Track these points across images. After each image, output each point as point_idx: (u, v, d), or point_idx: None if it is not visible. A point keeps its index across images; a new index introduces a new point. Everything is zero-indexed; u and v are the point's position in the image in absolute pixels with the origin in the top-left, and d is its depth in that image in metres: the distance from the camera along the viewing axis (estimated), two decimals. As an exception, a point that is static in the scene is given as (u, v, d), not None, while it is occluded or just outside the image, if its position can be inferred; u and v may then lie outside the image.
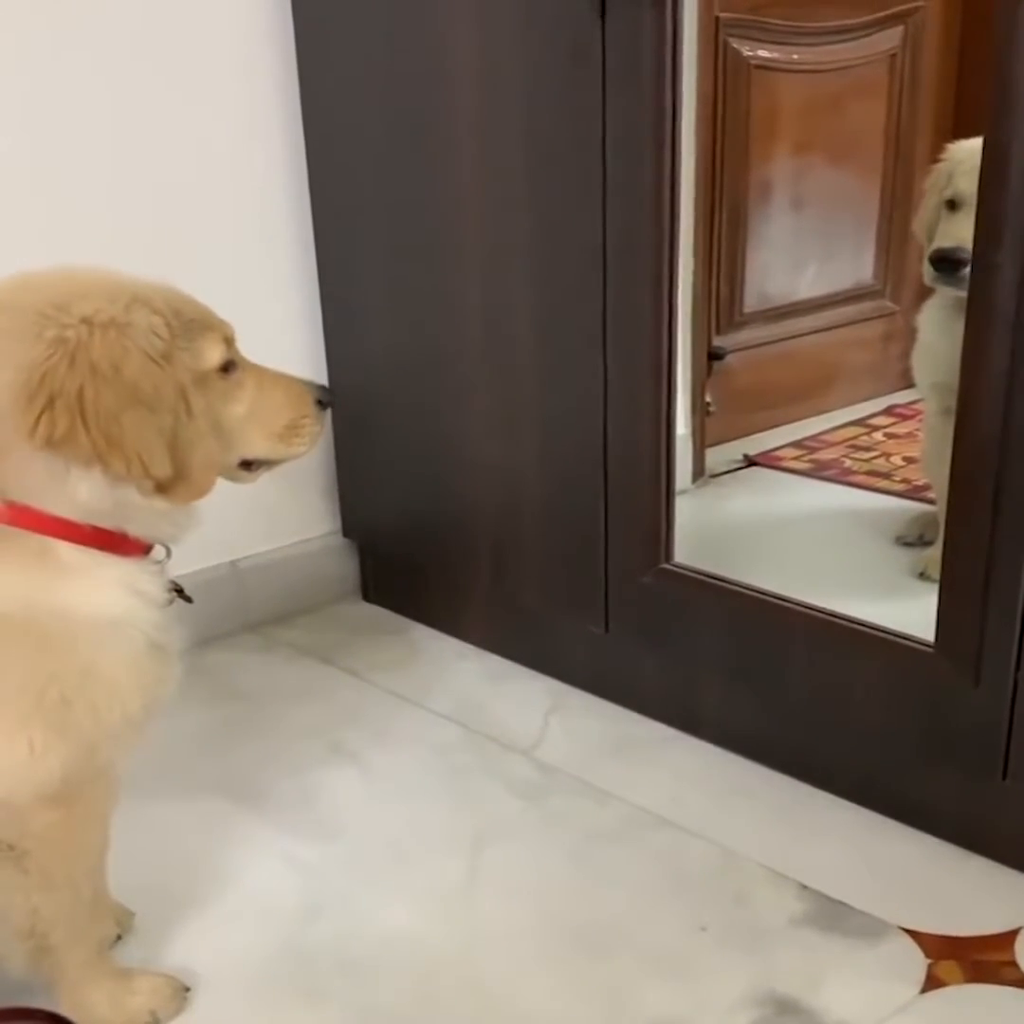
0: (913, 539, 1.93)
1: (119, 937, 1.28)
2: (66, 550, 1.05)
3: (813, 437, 2.50)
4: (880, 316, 2.66)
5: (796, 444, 2.48)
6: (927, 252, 1.72)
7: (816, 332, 2.52)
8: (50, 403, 0.98)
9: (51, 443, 0.99)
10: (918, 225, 1.79)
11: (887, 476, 2.29)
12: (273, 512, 2.01)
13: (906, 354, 2.72)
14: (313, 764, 1.64)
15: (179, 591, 1.16)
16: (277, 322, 1.94)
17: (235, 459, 1.15)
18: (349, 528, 2.08)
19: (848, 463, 2.37)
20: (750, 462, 2.36)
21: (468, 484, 1.81)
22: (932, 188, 1.74)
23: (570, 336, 1.57)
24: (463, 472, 1.81)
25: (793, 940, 1.29)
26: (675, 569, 1.58)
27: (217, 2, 1.80)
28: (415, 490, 1.91)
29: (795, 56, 2.32)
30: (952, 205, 1.67)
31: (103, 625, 1.06)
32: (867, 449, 2.44)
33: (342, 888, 1.40)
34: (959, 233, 1.60)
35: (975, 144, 1.66)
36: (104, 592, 1.07)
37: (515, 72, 1.53)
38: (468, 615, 1.94)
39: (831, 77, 2.43)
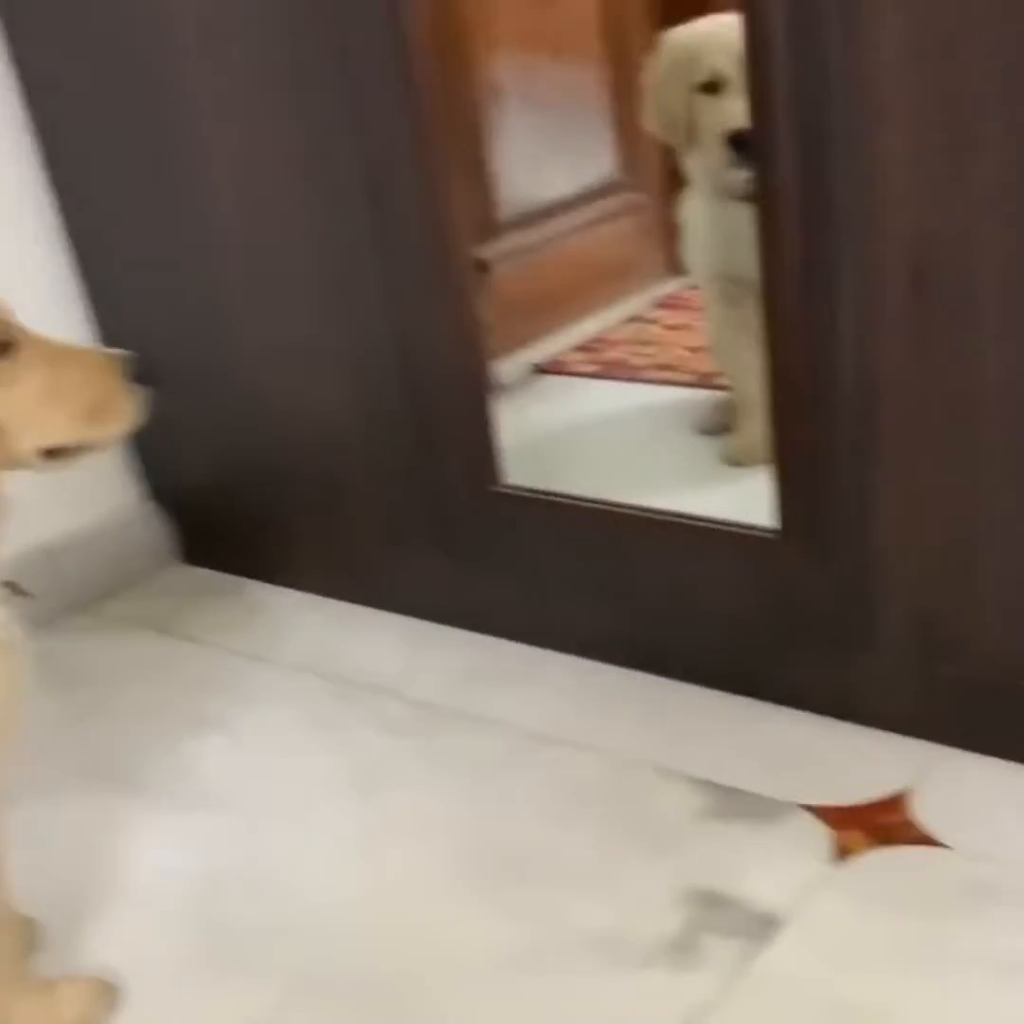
0: (714, 428, 1.98)
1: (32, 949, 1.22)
2: None
3: (594, 338, 2.53)
4: (632, 209, 2.69)
5: (580, 348, 2.50)
6: (682, 140, 1.75)
7: (573, 232, 2.52)
8: None
9: None
10: (654, 118, 1.79)
11: (674, 368, 2.34)
12: (74, 486, 1.91)
13: (663, 245, 2.79)
14: (180, 738, 1.59)
15: (12, 585, 1.09)
16: (30, 291, 1.83)
17: (31, 447, 1.05)
18: (157, 491, 2.01)
19: (635, 361, 2.41)
20: (539, 371, 2.38)
21: (275, 429, 1.77)
22: (668, 78, 1.74)
23: (342, 261, 1.54)
24: (267, 417, 1.76)
25: (700, 834, 1.33)
26: (508, 490, 1.59)
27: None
28: (220, 443, 1.86)
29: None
30: (713, 88, 1.68)
31: None
32: (649, 343, 2.48)
33: (244, 856, 1.37)
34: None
35: (709, 27, 1.72)
36: None
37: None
38: (301, 564, 1.90)
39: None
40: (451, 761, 1.49)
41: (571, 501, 1.52)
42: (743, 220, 1.72)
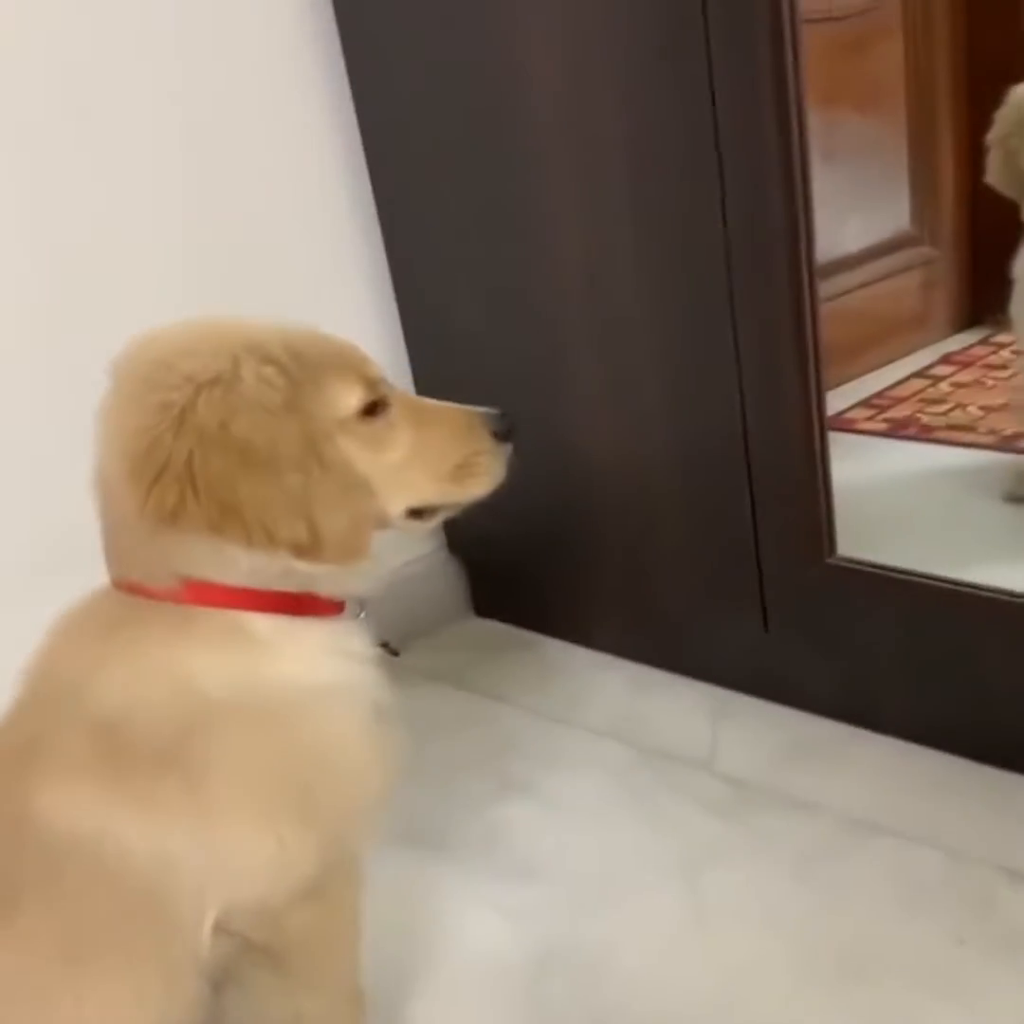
0: (1023, 494, 1.88)
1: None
2: (258, 622, 0.97)
3: (878, 394, 2.46)
4: (922, 263, 2.63)
5: (864, 404, 2.44)
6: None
7: (864, 286, 2.48)
8: (159, 475, 0.89)
9: (164, 518, 0.90)
10: (997, 172, 1.74)
11: (971, 429, 2.25)
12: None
13: (952, 300, 2.71)
14: (487, 800, 1.57)
15: (385, 645, 1.08)
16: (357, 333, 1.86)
17: (398, 510, 1.04)
18: (454, 542, 2.00)
19: (924, 419, 2.33)
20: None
21: (586, 483, 1.74)
22: (1016, 130, 1.68)
23: (692, 319, 1.50)
24: (580, 467, 1.73)
25: (1059, 946, 1.24)
26: (843, 563, 1.52)
27: (254, 22, 1.71)
28: (525, 493, 1.79)
29: (810, 4, 2.25)
30: None
31: (324, 695, 0.98)
32: (939, 402, 2.40)
33: (565, 934, 1.33)
34: None
35: None
36: (313, 659, 0.99)
37: (605, 69, 1.44)
38: (600, 622, 1.87)
39: (845, 24, 2.38)
40: (774, 845, 1.43)
41: (911, 577, 1.45)
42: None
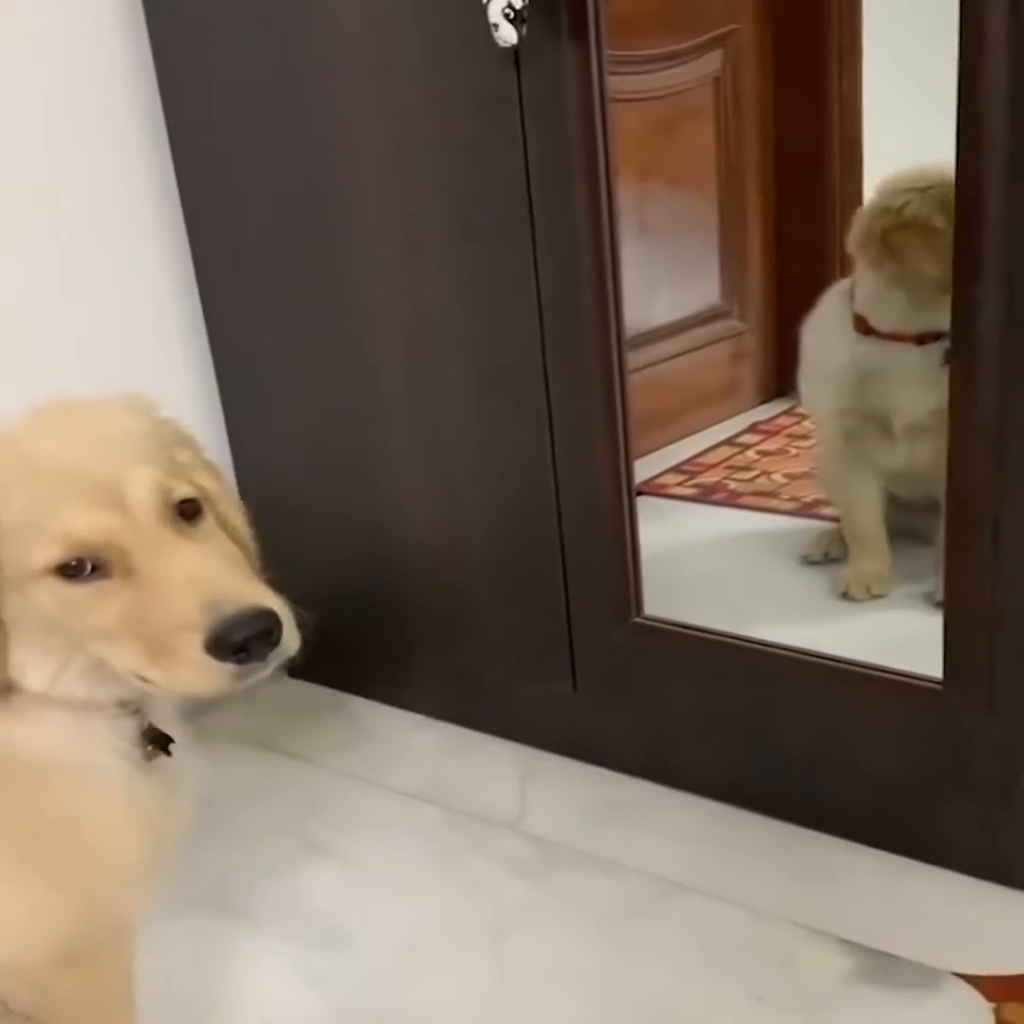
0: (819, 558, 1.95)
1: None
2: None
3: (689, 461, 2.53)
4: (731, 336, 2.71)
5: (675, 470, 2.49)
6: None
7: (674, 356, 2.55)
8: None
9: None
10: (868, 249, 1.76)
11: (774, 495, 2.32)
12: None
13: (757, 370, 2.80)
14: (290, 864, 1.54)
15: (156, 741, 1.00)
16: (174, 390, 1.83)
17: (120, 667, 0.91)
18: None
19: (732, 485, 2.39)
20: (638, 492, 2.36)
21: (401, 546, 1.74)
22: (886, 211, 1.72)
23: (506, 386, 1.52)
24: (396, 534, 1.73)
25: (850, 999, 1.27)
26: (648, 622, 1.55)
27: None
28: (342, 559, 1.83)
29: (627, 85, 2.32)
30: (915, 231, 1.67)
31: (82, 764, 0.96)
32: (745, 469, 2.47)
33: (369, 1000, 1.32)
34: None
35: (925, 174, 1.71)
36: (74, 734, 0.96)
37: (426, 122, 1.47)
38: (414, 684, 1.86)
39: (660, 104, 2.46)
40: (579, 905, 1.44)
41: (712, 636, 1.49)
42: (893, 357, 1.73)
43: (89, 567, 0.87)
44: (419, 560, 1.71)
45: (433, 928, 1.42)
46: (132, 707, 0.99)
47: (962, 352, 1.21)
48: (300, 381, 1.73)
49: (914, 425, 1.73)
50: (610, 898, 1.44)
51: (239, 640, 0.85)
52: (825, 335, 1.83)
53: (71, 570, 0.87)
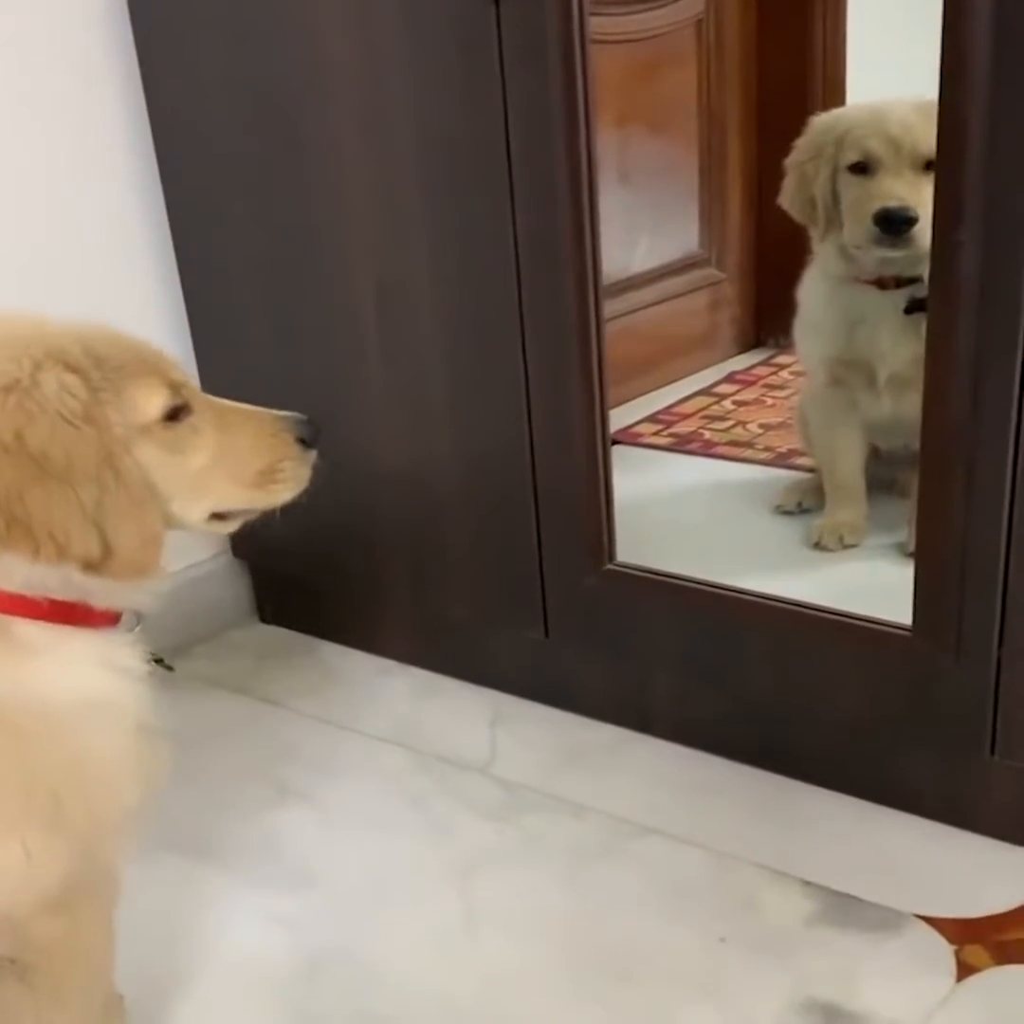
0: (792, 508, 1.95)
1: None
2: (23, 628, 0.93)
3: (665, 410, 2.51)
4: (709, 284, 2.70)
5: (651, 419, 2.48)
6: (819, 220, 1.73)
7: (652, 305, 2.53)
8: None
9: None
10: (792, 198, 1.77)
11: (749, 445, 2.31)
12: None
13: (735, 320, 2.79)
14: (262, 806, 1.54)
15: (159, 661, 1.05)
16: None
17: (201, 514, 1.03)
18: (239, 547, 1.97)
19: (708, 434, 2.39)
20: (613, 441, 2.36)
21: (375, 492, 1.72)
22: (814, 158, 1.72)
23: (482, 331, 1.51)
24: (368, 479, 1.72)
25: (814, 941, 1.28)
26: (621, 569, 1.55)
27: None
28: (313, 501, 1.78)
29: (606, 26, 2.29)
30: (862, 168, 1.67)
31: (83, 709, 0.95)
32: (721, 419, 2.46)
33: (334, 939, 1.32)
34: (895, 193, 1.62)
35: (861, 110, 1.71)
36: (78, 671, 0.95)
37: (401, 67, 1.44)
38: (385, 629, 1.86)
39: (641, 46, 2.42)
40: (546, 847, 1.44)
41: (687, 583, 1.49)
42: (869, 304, 1.72)
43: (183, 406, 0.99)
44: (391, 505, 1.71)
45: (401, 869, 1.42)
46: (135, 623, 1.01)
47: (940, 295, 1.20)
48: (272, 326, 1.72)
49: (897, 375, 1.72)
50: (576, 840, 1.45)
51: (315, 428, 1.08)
52: (814, 281, 1.83)
53: (174, 413, 0.97)
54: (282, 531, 1.85)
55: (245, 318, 1.75)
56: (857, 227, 1.66)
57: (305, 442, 1.07)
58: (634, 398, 2.49)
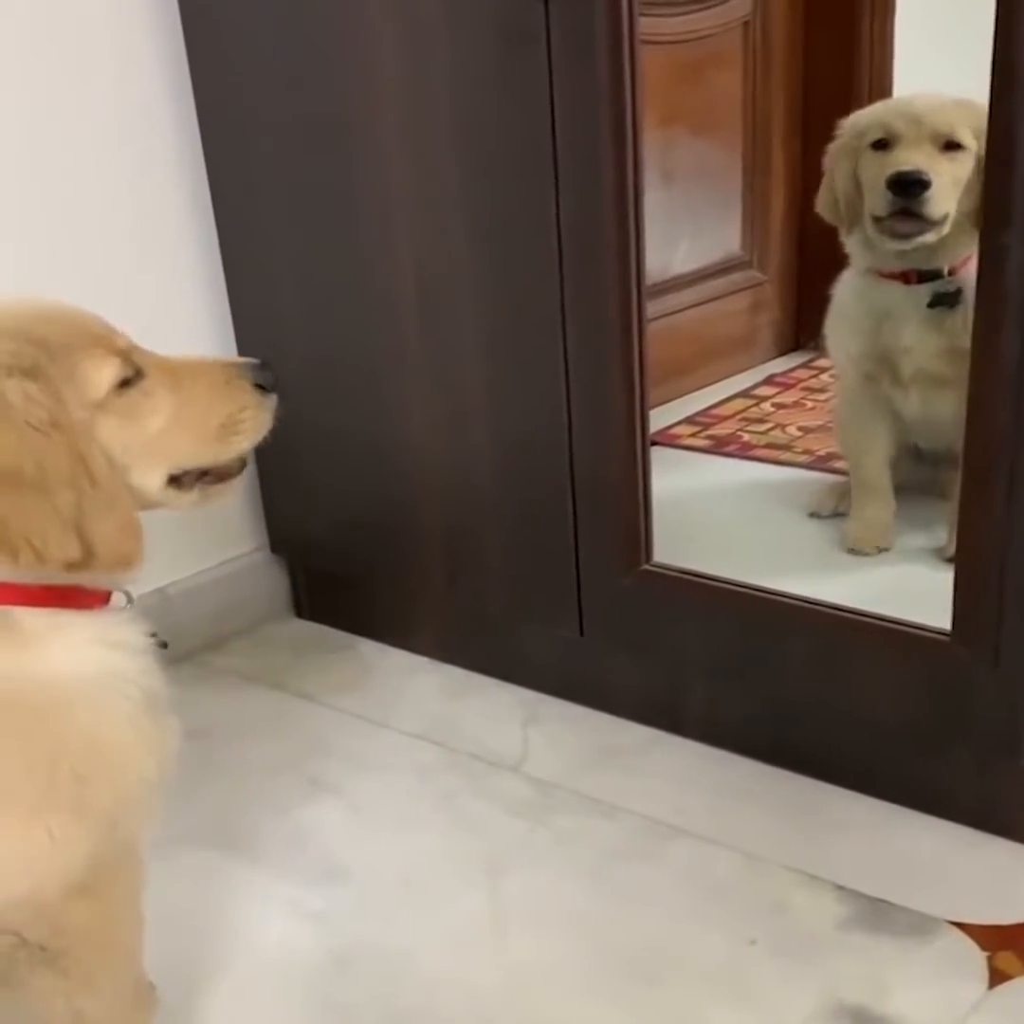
0: (827, 512, 1.94)
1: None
2: (23, 615, 0.94)
3: (703, 412, 2.51)
4: (749, 287, 2.69)
5: (689, 421, 2.48)
6: (844, 214, 1.74)
7: (692, 306, 2.53)
8: None
9: None
10: (824, 199, 1.78)
11: (787, 448, 2.30)
12: (195, 531, 1.90)
13: (775, 322, 2.78)
14: (294, 801, 1.55)
15: (154, 635, 1.05)
16: (184, 326, 1.83)
17: (159, 480, 1.00)
18: (277, 542, 1.98)
19: (746, 437, 2.38)
20: (652, 442, 2.35)
21: (412, 489, 1.73)
22: (841, 153, 1.73)
23: (523, 327, 1.51)
24: (406, 476, 1.73)
25: (845, 945, 1.27)
26: (657, 569, 1.55)
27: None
28: (350, 497, 1.83)
29: (652, 27, 2.29)
30: (883, 145, 1.66)
31: (93, 686, 0.95)
32: (760, 421, 2.45)
33: (365, 934, 1.32)
34: (911, 160, 1.62)
35: (889, 101, 1.71)
36: (83, 651, 0.96)
37: (445, 60, 1.45)
38: (419, 626, 1.87)
39: (687, 47, 2.42)
40: (576, 847, 1.44)
41: (723, 585, 1.48)
42: (893, 299, 1.72)
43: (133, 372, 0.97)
44: (429, 502, 1.71)
45: (431, 867, 1.42)
46: (129, 598, 1.02)
47: (987, 299, 1.19)
48: (313, 315, 1.72)
49: (922, 370, 1.72)
50: (607, 840, 1.45)
51: (272, 372, 1.05)
52: (844, 280, 1.83)
53: (125, 380, 0.96)
54: (319, 528, 1.88)
55: (285, 309, 1.76)
56: (875, 197, 1.66)
57: (263, 388, 1.05)
58: (673, 400, 2.49)
